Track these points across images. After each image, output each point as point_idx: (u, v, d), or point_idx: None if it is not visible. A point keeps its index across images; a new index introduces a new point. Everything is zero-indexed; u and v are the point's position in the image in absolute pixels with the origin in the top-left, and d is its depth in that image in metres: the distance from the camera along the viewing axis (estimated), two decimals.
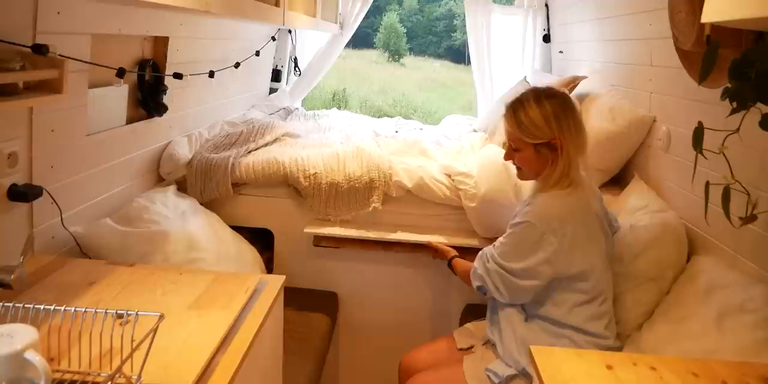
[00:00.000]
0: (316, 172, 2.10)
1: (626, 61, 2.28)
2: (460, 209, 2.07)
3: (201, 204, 2.02)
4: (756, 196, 1.01)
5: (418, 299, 2.20)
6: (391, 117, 3.59)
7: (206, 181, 2.08)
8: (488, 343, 1.63)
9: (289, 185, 2.13)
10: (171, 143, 2.15)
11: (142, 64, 1.90)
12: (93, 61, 1.51)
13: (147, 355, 0.93)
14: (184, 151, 2.14)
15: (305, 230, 2.07)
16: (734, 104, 0.98)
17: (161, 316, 0.96)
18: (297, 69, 3.66)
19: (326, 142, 2.53)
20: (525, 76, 3.01)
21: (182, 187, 2.07)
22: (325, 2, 2.97)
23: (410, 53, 16.80)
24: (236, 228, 2.05)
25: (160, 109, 2.01)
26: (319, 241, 2.10)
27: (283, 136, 2.61)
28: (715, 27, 1.22)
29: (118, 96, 1.82)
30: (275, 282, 1.38)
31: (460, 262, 1.82)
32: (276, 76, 3.66)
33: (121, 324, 0.97)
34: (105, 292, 1.24)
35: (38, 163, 1.41)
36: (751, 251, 1.32)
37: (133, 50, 1.88)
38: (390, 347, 2.15)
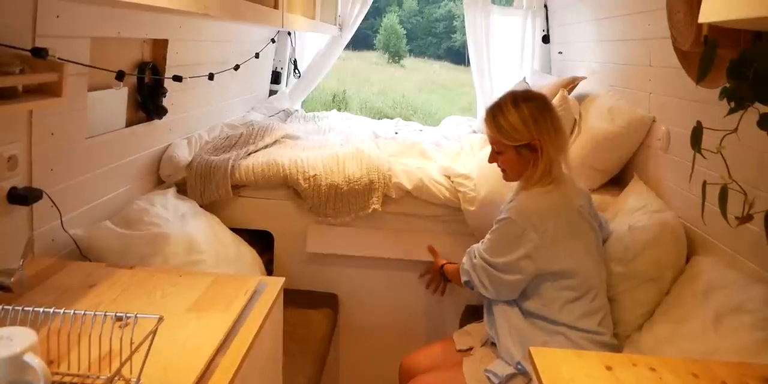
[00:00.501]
0: (315, 174, 2.10)
1: (625, 62, 2.28)
2: (459, 210, 2.07)
3: (201, 206, 2.02)
4: (753, 196, 1.01)
5: (418, 301, 2.20)
6: (391, 118, 3.59)
7: (206, 184, 2.08)
8: (487, 344, 1.64)
9: (289, 187, 2.13)
10: (171, 146, 2.16)
11: (141, 67, 1.90)
12: (92, 64, 1.51)
13: (146, 357, 0.93)
14: (183, 154, 2.14)
15: (307, 250, 2.13)
16: (732, 104, 0.98)
17: (160, 319, 0.96)
18: (297, 71, 3.65)
19: (326, 144, 2.54)
20: (524, 77, 3.01)
21: (182, 190, 2.07)
22: (324, 4, 2.96)
23: (410, 55, 16.75)
24: (236, 230, 2.05)
25: (159, 111, 2.01)
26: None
27: (282, 138, 2.62)
28: (713, 27, 1.22)
29: (117, 99, 1.82)
30: (275, 284, 1.38)
31: (450, 267, 1.89)
32: (276, 78, 3.66)
33: (120, 326, 0.97)
34: (105, 294, 1.25)
35: (38, 166, 1.41)
36: (750, 251, 1.32)
37: (133, 53, 1.89)
38: (390, 349, 2.15)
